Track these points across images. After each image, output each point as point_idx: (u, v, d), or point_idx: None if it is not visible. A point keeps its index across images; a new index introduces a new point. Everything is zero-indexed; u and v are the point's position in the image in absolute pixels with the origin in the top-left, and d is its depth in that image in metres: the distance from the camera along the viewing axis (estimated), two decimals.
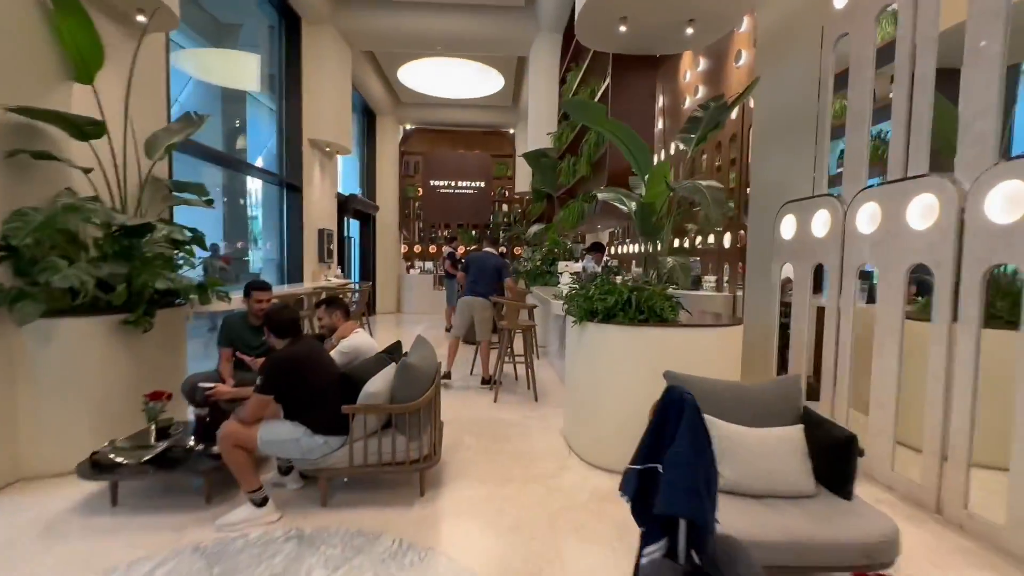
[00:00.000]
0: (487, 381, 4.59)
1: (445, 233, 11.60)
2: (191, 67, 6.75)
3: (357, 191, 10.49)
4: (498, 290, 4.72)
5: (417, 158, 11.42)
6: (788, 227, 3.55)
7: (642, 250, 5.87)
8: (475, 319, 4.68)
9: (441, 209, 11.20)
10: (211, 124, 7.52)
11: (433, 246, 11.53)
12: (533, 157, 6.74)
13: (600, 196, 3.46)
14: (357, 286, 7.58)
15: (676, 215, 3.23)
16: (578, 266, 6.21)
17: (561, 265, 6.17)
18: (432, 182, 11.15)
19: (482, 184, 11.22)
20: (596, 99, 4.52)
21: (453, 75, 9.06)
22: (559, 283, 6.18)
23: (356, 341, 2.71)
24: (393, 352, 2.72)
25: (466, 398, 4.29)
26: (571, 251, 6.68)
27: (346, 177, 11.20)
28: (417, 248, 11.62)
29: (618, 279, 3.28)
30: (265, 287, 3.07)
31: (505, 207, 11.76)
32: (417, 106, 10.76)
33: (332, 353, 2.64)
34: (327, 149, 6.93)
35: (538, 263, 6.81)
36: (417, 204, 11.49)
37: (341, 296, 4.78)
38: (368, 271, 10.31)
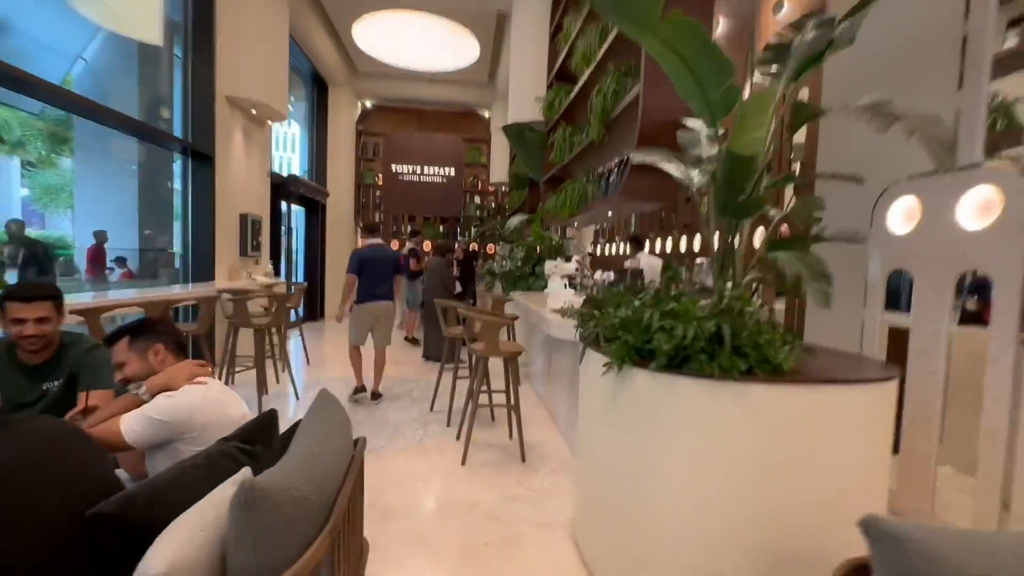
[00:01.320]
0: (361, 390, 4.08)
1: (409, 228, 10.19)
2: (92, 12, 5.18)
3: (304, 173, 8.95)
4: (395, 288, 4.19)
5: (378, 140, 9.94)
6: (902, 217, 2.36)
7: (682, 245, 4.64)
8: (375, 326, 4.08)
9: (405, 199, 9.76)
10: (123, 87, 5.95)
11: (396, 241, 10.08)
12: (515, 132, 5.46)
13: (635, 158, 2.19)
14: (293, 288, 6.11)
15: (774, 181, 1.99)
16: (570, 266, 4.96)
17: (548, 265, 4.89)
18: (394, 167, 9.70)
19: (452, 171, 9.84)
20: (610, 41, 3.29)
21: (419, 39, 7.67)
22: (546, 288, 4.93)
23: (183, 403, 1.36)
24: (253, 439, 1.32)
25: (418, 455, 2.96)
26: (560, 247, 5.41)
27: (286, 156, 9.66)
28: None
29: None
30: (35, 294, 1.66)
31: (478, 199, 10.41)
32: (378, 78, 9.29)
33: (129, 423, 1.30)
34: (253, 112, 5.44)
35: (519, 263, 5.52)
36: (377, 193, 10.02)
37: (168, 321, 3.36)
38: (315, 268, 8.78)
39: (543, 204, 5.37)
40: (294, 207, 8.05)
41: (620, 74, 2.83)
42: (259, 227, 5.77)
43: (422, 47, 7.94)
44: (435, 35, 7.52)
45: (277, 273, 6.67)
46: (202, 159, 4.87)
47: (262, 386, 3.87)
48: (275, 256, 6.90)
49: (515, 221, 5.64)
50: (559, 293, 4.70)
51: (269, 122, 5.89)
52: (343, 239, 9.42)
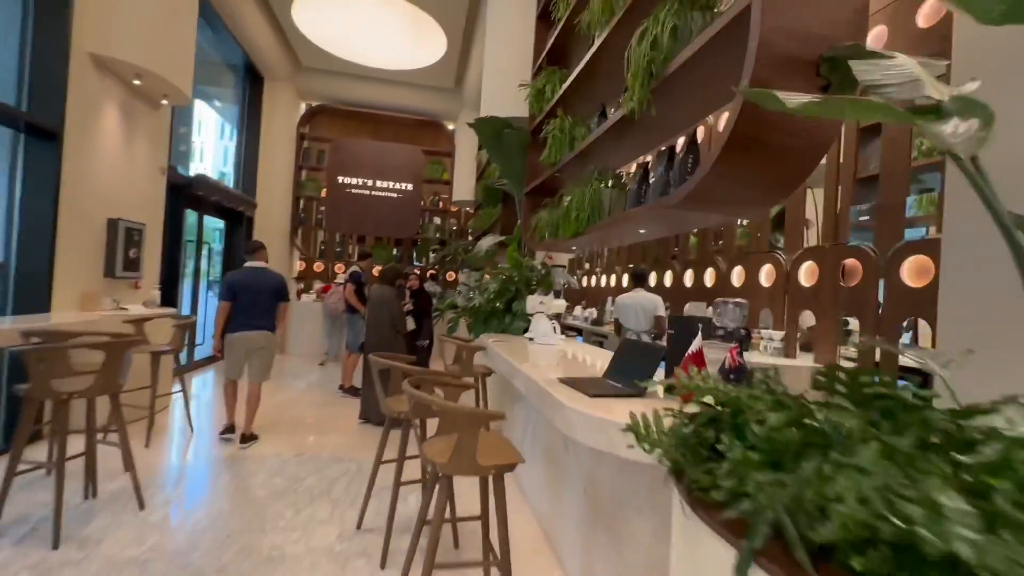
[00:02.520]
0: (230, 429, 3.63)
1: (357, 249, 8.77)
2: None
3: (228, 179, 7.44)
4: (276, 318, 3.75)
5: (323, 146, 8.56)
6: None
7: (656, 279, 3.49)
8: (249, 359, 3.65)
9: (352, 215, 8.34)
10: None
11: (340, 265, 8.60)
12: (490, 129, 4.29)
13: (764, 101, 0.99)
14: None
15: None
16: (559, 303, 3.76)
17: (531, 301, 3.69)
18: (342, 179, 8.32)
19: (409, 187, 8.55)
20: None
21: (374, 26, 6.48)
22: (528, 331, 3.69)
23: None
24: None
25: None
26: (544, 279, 4.21)
27: (203, 155, 8.11)
28: (318, 266, 8.61)
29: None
30: None
31: (438, 219, 9.15)
32: (325, 75, 7.99)
33: None
34: (137, 83, 4.01)
35: (491, 296, 4.27)
36: (320, 207, 8.57)
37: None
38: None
39: (525, 222, 4.19)
40: (210, 219, 6.50)
41: (681, 4, 1.74)
42: (139, 238, 4.25)
43: (377, 36, 6.75)
44: (394, 22, 6.36)
45: (171, 302, 5.10)
46: (43, 137, 3.38)
47: (91, 481, 2.44)
48: (171, 279, 5.32)
49: (487, 243, 4.43)
50: (546, 338, 3.48)
51: (165, 102, 4.45)
52: (273, 260, 7.84)
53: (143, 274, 4.35)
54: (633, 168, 2.90)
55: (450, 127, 8.92)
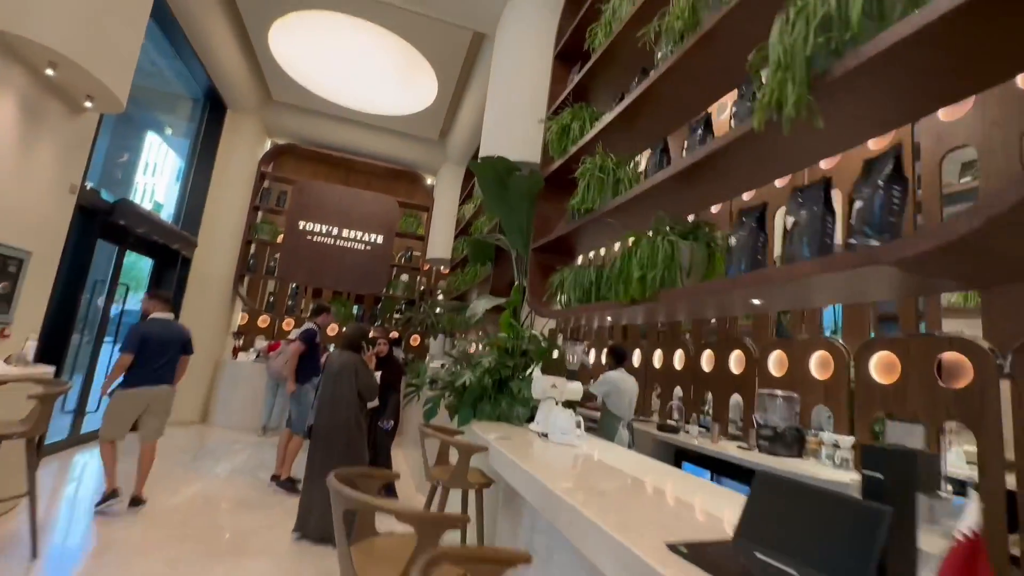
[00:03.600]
0: (113, 495, 3.16)
1: (314, 303, 7.71)
2: None
3: (167, 212, 6.42)
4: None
5: (285, 187, 7.71)
6: None
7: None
8: (144, 415, 3.40)
9: (311, 265, 7.36)
10: None
11: (290, 320, 7.47)
12: (494, 172, 3.59)
13: None
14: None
15: None
16: (575, 387, 2.92)
17: (540, 383, 2.83)
18: (303, 224, 7.41)
19: (379, 239, 7.73)
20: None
21: (360, 63, 5.95)
22: (533, 421, 2.80)
23: None
24: None
25: None
26: (550, 351, 3.38)
27: (146, 187, 7.06)
28: (264, 320, 7.44)
29: None
30: None
31: (406, 276, 8.28)
32: (298, 112, 7.31)
33: None
34: (50, 74, 3.13)
35: (483, 372, 3.38)
36: (274, 253, 7.56)
37: None
38: None
39: (533, 282, 3.42)
40: (135, 256, 5.38)
41: None
42: (17, 270, 3.17)
43: (363, 75, 6.20)
44: (383, 61, 5.85)
45: (55, 358, 3.88)
46: None
47: None
48: (61, 328, 4.13)
49: (482, 306, 3.60)
50: (566, 436, 2.59)
51: (90, 105, 3.56)
52: (211, 310, 6.68)
53: (13, 318, 3.21)
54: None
55: (429, 181, 8.32)
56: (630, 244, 2.03)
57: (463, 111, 6.49)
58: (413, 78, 6.11)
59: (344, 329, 3.35)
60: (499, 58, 4.22)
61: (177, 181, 6.94)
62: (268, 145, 7.66)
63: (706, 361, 4.27)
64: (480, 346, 4.27)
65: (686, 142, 2.17)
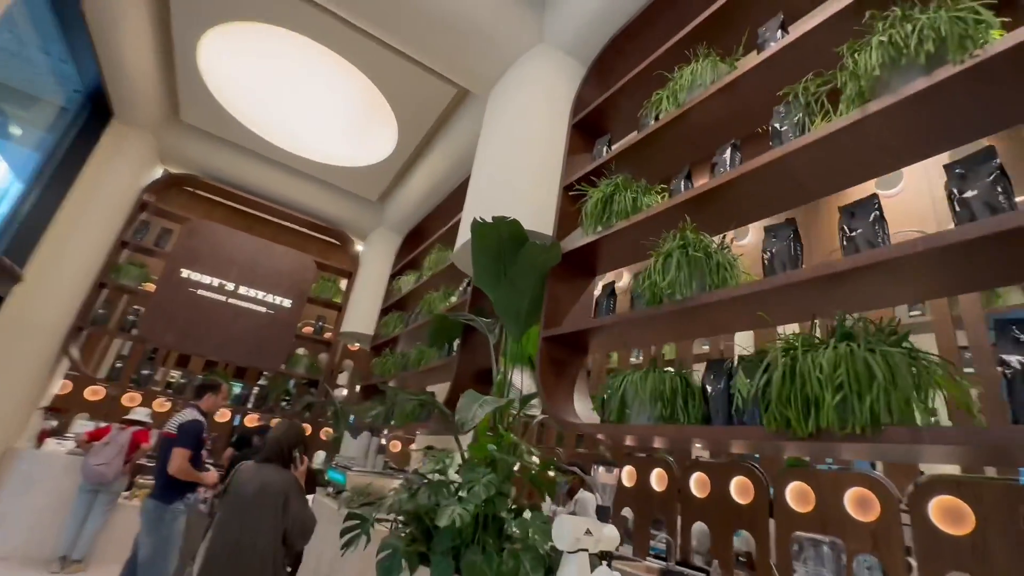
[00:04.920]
0: None
1: (200, 378, 5.90)
2: None
3: None
4: None
5: (172, 225, 6.16)
6: None
7: None
8: None
9: (188, 326, 5.69)
10: None
11: (136, 394, 5.55)
12: (495, 236, 2.87)
13: None
14: None
15: None
16: (611, 532, 2.12)
17: (566, 525, 1.99)
18: (188, 273, 5.85)
19: (287, 303, 6.36)
20: None
21: (308, 98, 5.12)
22: None
23: None
24: None
25: None
26: (538, 480, 2.54)
27: None
28: (94, 392, 5.44)
29: None
30: None
31: (302, 350, 6.85)
32: (209, 141, 6.06)
33: None
34: None
35: (475, 509, 2.41)
36: (136, 305, 5.77)
37: None
38: None
39: (547, 381, 2.63)
40: None
41: None
42: None
43: (306, 112, 5.34)
44: (336, 101, 5.09)
45: None
46: None
47: None
48: None
49: (483, 409, 2.67)
50: None
51: None
52: (17, 371, 4.67)
53: None
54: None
55: (358, 246, 7.30)
56: (783, 348, 1.43)
57: (417, 174, 5.84)
58: (368, 127, 5.40)
59: (272, 427, 2.19)
60: (500, 118, 3.73)
61: (4, 191, 5.13)
62: (159, 172, 6.17)
63: (657, 480, 3.71)
64: (439, 458, 3.24)
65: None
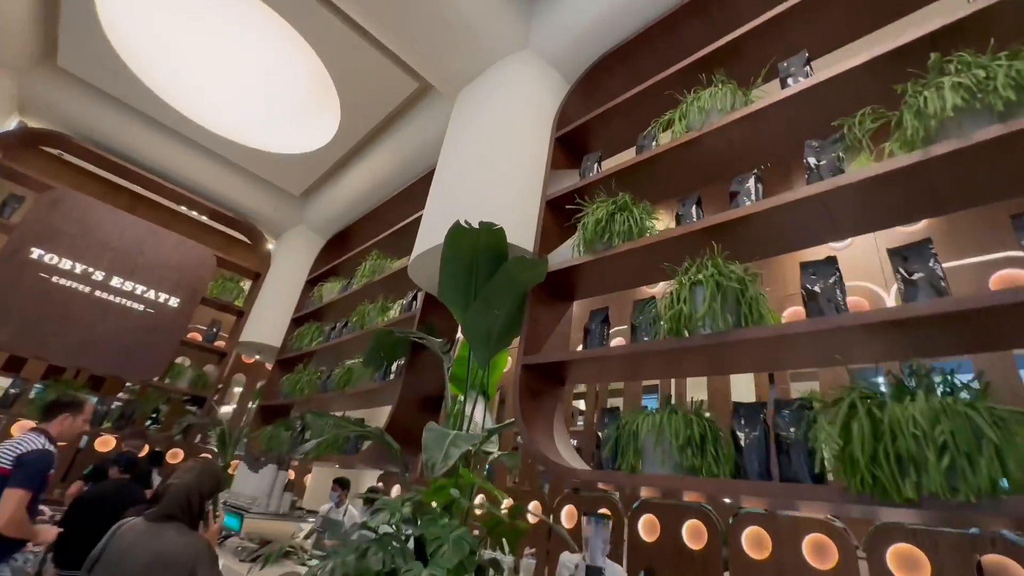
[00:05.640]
0: None
1: (41, 387, 4.58)
2: None
3: None
4: None
5: (24, 192, 4.87)
6: None
7: None
8: None
9: (32, 320, 4.44)
10: None
11: None
12: (468, 248, 2.50)
13: None
14: None
15: None
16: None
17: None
18: (40, 253, 4.61)
19: (174, 301, 5.29)
20: None
21: (236, 62, 4.39)
22: None
23: None
24: None
25: None
26: (518, 527, 2.20)
27: None
28: None
29: None
30: None
31: (182, 359, 5.78)
32: (94, 94, 4.95)
33: None
34: None
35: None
36: None
37: None
38: None
39: (528, 415, 2.27)
40: None
41: None
42: None
43: (232, 81, 4.58)
44: (273, 74, 4.42)
45: None
46: None
47: None
48: None
49: (447, 449, 2.20)
50: None
51: None
52: None
53: None
54: None
55: (268, 245, 6.39)
56: (861, 395, 1.26)
57: (354, 170, 5.26)
58: (304, 110, 4.76)
59: (176, 470, 1.54)
60: (473, 121, 3.41)
61: None
62: (14, 122, 4.89)
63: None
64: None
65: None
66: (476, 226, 2.45)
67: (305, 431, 4.32)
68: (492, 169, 3.06)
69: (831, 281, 1.69)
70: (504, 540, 2.41)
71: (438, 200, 3.29)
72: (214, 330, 5.76)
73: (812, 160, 1.88)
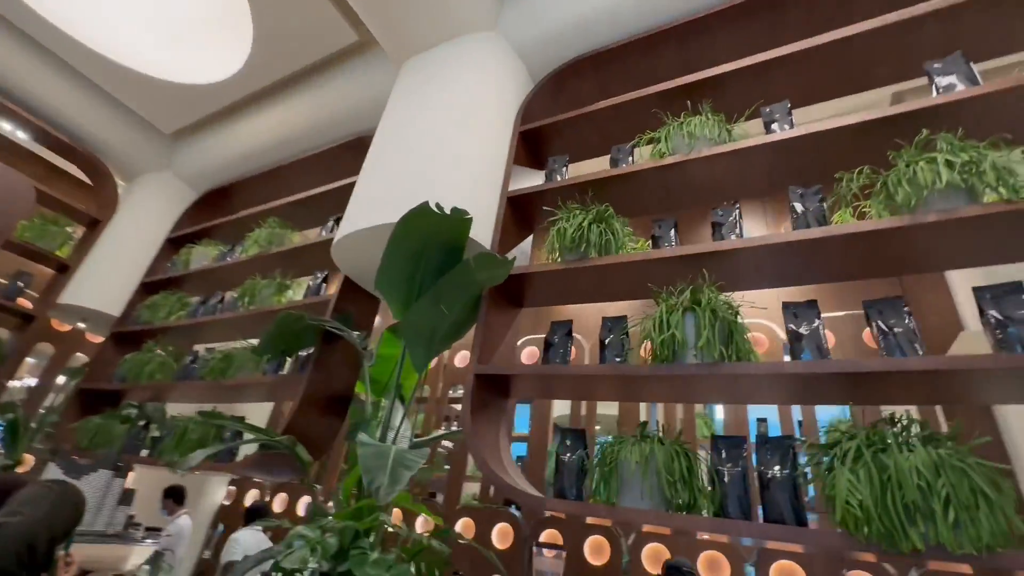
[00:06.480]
0: None
1: None
2: None
3: None
4: None
5: None
6: None
7: None
8: None
9: None
10: None
11: None
12: (423, 233, 2.14)
13: None
14: None
15: None
16: None
17: None
18: None
19: None
20: None
21: None
22: None
23: None
24: None
25: None
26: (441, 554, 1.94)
27: None
28: None
29: None
30: None
31: None
32: None
33: None
34: None
35: None
36: None
37: None
38: None
39: (476, 430, 1.98)
40: None
41: None
42: None
43: None
44: None
45: None
46: None
47: None
48: None
49: (397, 472, 1.76)
50: None
51: None
52: None
53: None
54: None
55: (119, 182, 5.08)
56: (867, 440, 1.29)
57: (255, 119, 4.45)
58: (203, 31, 3.88)
59: (10, 498, 0.96)
60: (425, 93, 3.04)
61: None
62: None
63: None
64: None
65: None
66: (446, 211, 2.14)
67: (149, 426, 3.47)
68: (446, 151, 2.75)
69: (815, 325, 1.76)
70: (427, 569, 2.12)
71: (376, 177, 2.86)
72: (19, 284, 4.37)
73: (798, 206, 1.95)
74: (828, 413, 3.94)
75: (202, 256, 4.22)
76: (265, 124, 4.37)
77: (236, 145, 4.60)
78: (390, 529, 2.04)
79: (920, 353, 1.55)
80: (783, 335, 3.41)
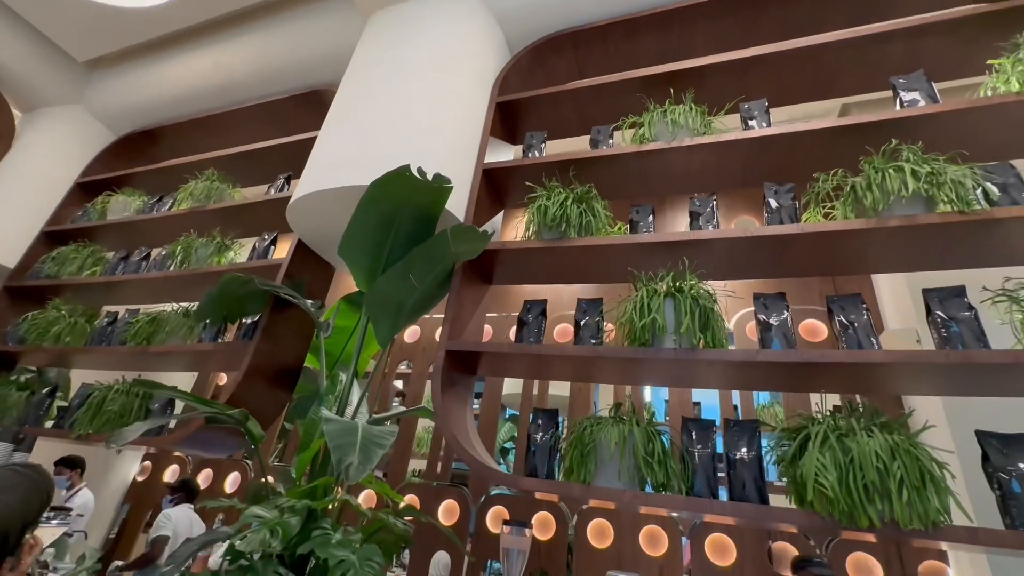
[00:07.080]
0: None
1: None
2: None
3: None
4: None
5: None
6: None
7: None
8: None
9: None
10: None
11: None
12: (398, 196, 1.99)
13: None
14: None
15: None
16: None
17: None
18: None
19: None
20: None
21: None
22: None
23: None
24: None
25: None
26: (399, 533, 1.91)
27: None
28: None
29: None
30: None
31: None
32: None
33: None
34: None
35: None
36: None
37: None
38: None
39: (445, 410, 1.91)
40: None
41: None
42: None
43: None
44: None
45: None
46: None
47: None
48: None
49: (369, 450, 1.58)
50: None
51: None
52: None
53: None
54: None
55: (17, 120, 4.34)
56: (831, 426, 1.38)
57: (190, 56, 3.97)
58: None
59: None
60: (395, 49, 2.84)
61: None
62: None
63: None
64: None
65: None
66: (428, 177, 2.02)
67: (55, 394, 3.08)
68: (421, 115, 2.59)
69: (783, 317, 1.85)
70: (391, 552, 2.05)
71: (342, 136, 2.65)
72: None
73: (772, 202, 2.03)
74: (763, 398, 4.25)
75: (122, 206, 3.75)
76: (203, 64, 3.91)
77: (166, 84, 4.09)
78: (350, 508, 1.95)
79: (876, 346, 1.67)
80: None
